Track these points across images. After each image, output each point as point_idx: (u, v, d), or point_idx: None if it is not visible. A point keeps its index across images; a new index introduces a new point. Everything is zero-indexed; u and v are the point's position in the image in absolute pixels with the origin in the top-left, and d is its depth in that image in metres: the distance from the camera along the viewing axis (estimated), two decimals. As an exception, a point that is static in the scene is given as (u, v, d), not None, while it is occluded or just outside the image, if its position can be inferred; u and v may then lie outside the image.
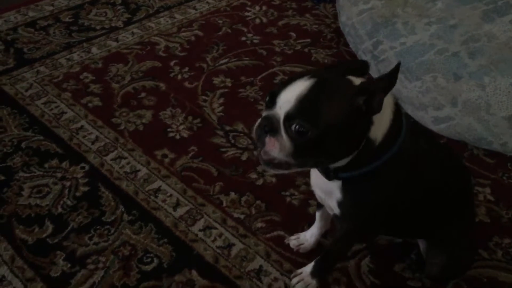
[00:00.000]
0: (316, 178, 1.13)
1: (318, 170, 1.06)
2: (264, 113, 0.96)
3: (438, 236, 1.25)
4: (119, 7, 2.55)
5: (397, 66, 0.89)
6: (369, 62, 1.96)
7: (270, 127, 0.93)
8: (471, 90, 1.69)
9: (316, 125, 0.89)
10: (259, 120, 0.97)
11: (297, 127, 0.90)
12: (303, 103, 0.90)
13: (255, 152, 1.71)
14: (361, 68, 1.02)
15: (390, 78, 0.89)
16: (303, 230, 1.47)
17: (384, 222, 1.18)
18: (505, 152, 1.72)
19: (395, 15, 1.99)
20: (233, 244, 1.44)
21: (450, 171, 1.17)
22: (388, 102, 0.97)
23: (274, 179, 1.64)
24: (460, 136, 1.76)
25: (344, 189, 1.05)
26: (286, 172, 0.99)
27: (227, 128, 1.84)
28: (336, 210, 1.10)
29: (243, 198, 1.58)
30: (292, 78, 0.95)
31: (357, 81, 0.96)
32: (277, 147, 0.93)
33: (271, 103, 0.95)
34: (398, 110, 0.99)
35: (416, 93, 1.82)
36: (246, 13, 2.56)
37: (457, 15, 1.83)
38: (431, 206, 1.14)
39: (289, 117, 0.91)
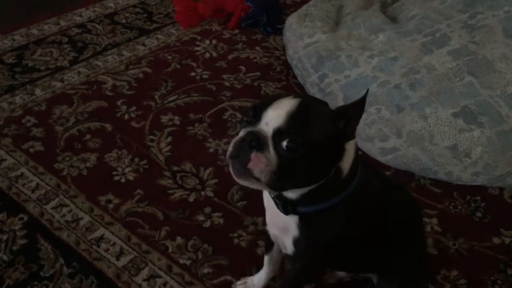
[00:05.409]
0: (272, 215, 1.11)
1: (276, 203, 1.04)
2: (247, 129, 0.93)
3: (389, 269, 1.24)
4: (65, 46, 2.50)
5: (366, 94, 0.92)
6: (316, 94, 1.99)
7: (257, 142, 0.91)
8: (414, 121, 1.71)
9: (308, 142, 0.89)
10: (240, 135, 0.93)
11: (288, 143, 0.89)
12: (295, 119, 0.90)
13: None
14: None
15: (361, 105, 0.92)
16: (251, 273, 1.43)
17: (337, 257, 1.17)
18: (450, 180, 1.74)
19: (339, 48, 2.01)
20: (179, 293, 1.39)
21: (400, 204, 1.19)
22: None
23: (221, 220, 1.60)
24: (407, 166, 1.77)
25: (301, 224, 1.03)
26: (255, 187, 0.95)
27: (175, 168, 1.80)
28: (290, 249, 1.08)
29: (190, 242, 1.53)
30: (274, 96, 0.96)
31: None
32: (264, 163, 0.90)
33: (256, 119, 0.93)
34: (356, 145, 1.02)
35: (362, 125, 1.83)
36: (196, 48, 2.54)
37: (397, 48, 1.86)
38: (383, 239, 1.15)
39: (280, 132, 0.90)
